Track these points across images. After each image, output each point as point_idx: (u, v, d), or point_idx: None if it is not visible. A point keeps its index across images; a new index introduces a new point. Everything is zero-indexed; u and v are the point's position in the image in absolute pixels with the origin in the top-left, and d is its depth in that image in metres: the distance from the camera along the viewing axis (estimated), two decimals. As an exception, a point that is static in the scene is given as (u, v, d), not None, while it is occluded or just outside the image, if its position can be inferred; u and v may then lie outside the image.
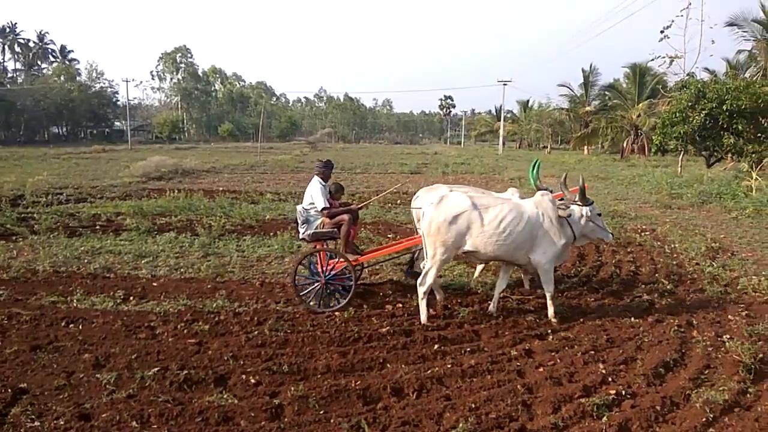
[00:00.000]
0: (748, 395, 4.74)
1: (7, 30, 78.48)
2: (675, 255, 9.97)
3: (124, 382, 4.84)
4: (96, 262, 8.75)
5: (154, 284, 7.84)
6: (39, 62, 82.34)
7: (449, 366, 5.22)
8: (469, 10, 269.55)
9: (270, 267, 8.91)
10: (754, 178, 16.98)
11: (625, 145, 44.95)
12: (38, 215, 12.60)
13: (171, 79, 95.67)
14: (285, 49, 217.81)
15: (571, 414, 4.34)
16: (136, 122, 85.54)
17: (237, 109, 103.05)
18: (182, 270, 8.59)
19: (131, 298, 7.19)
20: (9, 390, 4.60)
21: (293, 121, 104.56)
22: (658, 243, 10.95)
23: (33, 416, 4.23)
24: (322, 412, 4.42)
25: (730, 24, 25.61)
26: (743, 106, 20.16)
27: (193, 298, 7.20)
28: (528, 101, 78.01)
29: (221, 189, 19.26)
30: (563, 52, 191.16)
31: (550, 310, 6.56)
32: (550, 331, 6.25)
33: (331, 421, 4.26)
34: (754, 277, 8.30)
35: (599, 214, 6.69)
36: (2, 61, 79.70)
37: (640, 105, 42.47)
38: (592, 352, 5.59)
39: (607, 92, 53.55)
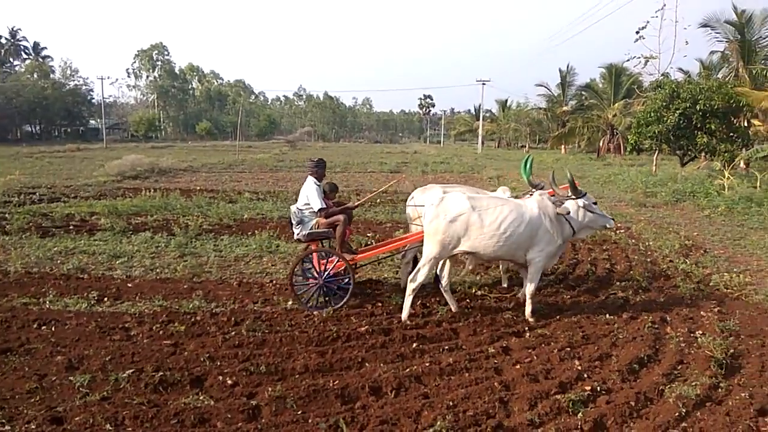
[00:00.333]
0: (720, 390, 4.84)
1: (-22, 26, 76.61)
2: (649, 252, 10.13)
3: (98, 384, 4.76)
4: (69, 263, 8.59)
5: (129, 285, 7.72)
6: (11, 59, 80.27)
7: (427, 364, 5.23)
8: (449, 10, 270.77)
9: (248, 267, 8.84)
10: (726, 176, 17.33)
11: (601, 144, 45.51)
12: (10, 215, 12.32)
13: (147, 76, 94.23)
14: (264, 47, 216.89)
15: (547, 410, 4.38)
16: (112, 120, 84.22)
17: (215, 108, 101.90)
18: (158, 270, 8.48)
19: (105, 299, 7.07)
20: (-22, 394, 4.50)
21: (272, 120, 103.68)
22: (633, 241, 11.13)
23: (3, 420, 4.13)
24: (299, 412, 4.40)
25: (704, 25, 26.00)
26: (716, 106, 20.55)
27: (169, 299, 7.11)
28: (506, 101, 78.72)
29: (198, 188, 19.06)
30: (541, 52, 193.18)
31: (528, 308, 6.62)
32: (527, 328, 6.31)
33: (309, 421, 4.24)
34: (725, 273, 8.48)
35: (595, 203, 6.76)
36: (-27, 58, 77.85)
37: (616, 105, 43.02)
38: (568, 349, 5.65)
39: (583, 92, 54.14)
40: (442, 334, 6.08)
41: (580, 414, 4.34)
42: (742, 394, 4.73)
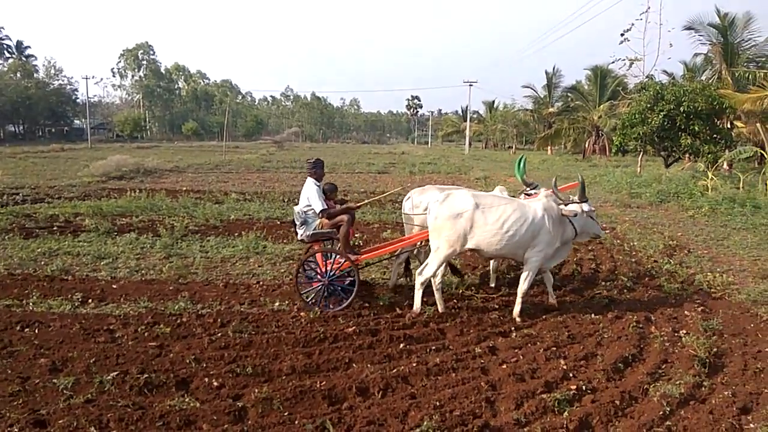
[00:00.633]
0: (703, 388, 4.90)
1: (-41, 25, 75.48)
2: (634, 253, 10.22)
3: (82, 386, 4.71)
4: (53, 264, 8.49)
5: (114, 286, 7.64)
6: (-7, 58, 79.39)
7: (414, 365, 5.24)
8: (436, 11, 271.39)
9: (234, 268, 8.79)
10: (710, 177, 17.53)
11: (586, 145, 45.82)
12: (-8, 216, 12.16)
13: (133, 76, 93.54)
14: (251, 47, 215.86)
15: (533, 409, 4.42)
16: (97, 120, 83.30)
17: (201, 108, 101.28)
18: (143, 271, 8.41)
19: (90, 300, 6.99)
20: (-41, 397, 4.43)
21: (259, 120, 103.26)
22: (618, 241, 11.22)
23: (-15, 424, 4.08)
24: (286, 413, 4.38)
25: (688, 28, 26.29)
26: (700, 108, 20.82)
27: (154, 300, 7.05)
28: (493, 102, 78.93)
29: (185, 189, 18.93)
30: (528, 54, 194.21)
31: (517, 308, 6.68)
32: (513, 328, 6.35)
33: (296, 422, 4.22)
34: (709, 273, 8.58)
35: (593, 211, 6.87)
36: (-46, 56, 76.67)
37: (601, 106, 43.33)
38: (554, 349, 5.69)
39: (569, 94, 54.40)
40: (429, 335, 6.09)
41: (565, 413, 4.38)
42: (726, 393, 4.79)
